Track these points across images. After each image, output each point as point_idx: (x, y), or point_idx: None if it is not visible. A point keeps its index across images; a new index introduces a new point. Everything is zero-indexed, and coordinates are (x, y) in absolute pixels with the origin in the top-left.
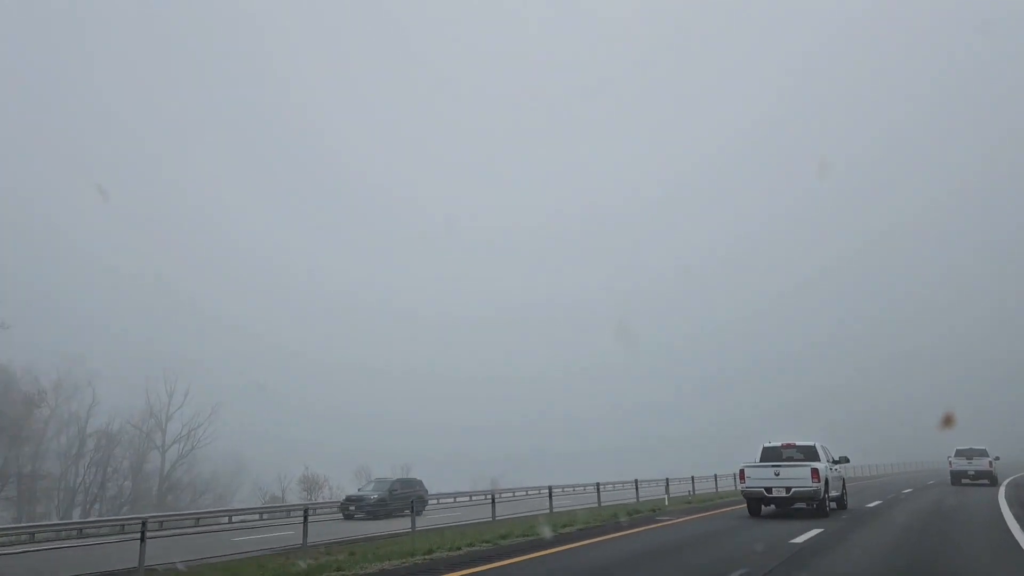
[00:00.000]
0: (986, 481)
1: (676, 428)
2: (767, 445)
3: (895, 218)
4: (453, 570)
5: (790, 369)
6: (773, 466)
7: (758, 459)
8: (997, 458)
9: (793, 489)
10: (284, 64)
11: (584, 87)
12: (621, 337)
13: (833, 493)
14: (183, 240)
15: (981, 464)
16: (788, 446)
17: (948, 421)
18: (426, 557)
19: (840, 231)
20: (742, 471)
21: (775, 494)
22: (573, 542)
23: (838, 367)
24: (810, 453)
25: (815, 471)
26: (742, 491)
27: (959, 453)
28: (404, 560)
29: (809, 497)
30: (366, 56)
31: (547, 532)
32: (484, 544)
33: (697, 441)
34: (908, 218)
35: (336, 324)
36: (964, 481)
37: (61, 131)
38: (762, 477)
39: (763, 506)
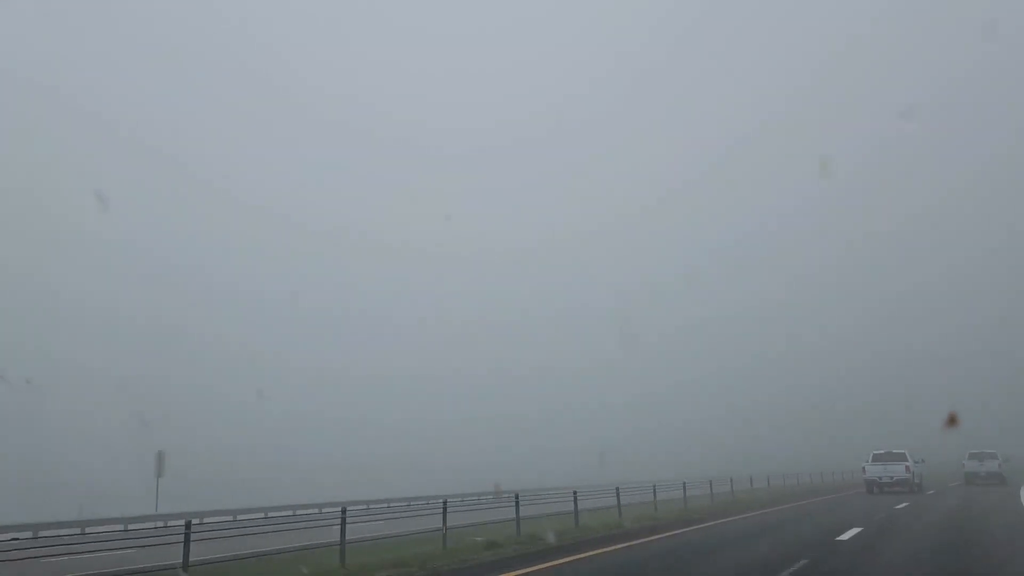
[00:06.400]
0: (996, 482)
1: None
2: (876, 452)
3: (899, 218)
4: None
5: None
6: (882, 464)
7: (870, 460)
8: (1007, 460)
9: (894, 478)
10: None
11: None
12: (624, 336)
13: (916, 480)
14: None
15: (991, 466)
16: (888, 453)
17: (952, 421)
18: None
19: (849, 227)
20: (864, 468)
21: (883, 480)
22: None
23: (847, 366)
24: (902, 456)
25: (907, 467)
26: (864, 479)
27: (972, 456)
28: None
29: (903, 482)
30: (365, 52)
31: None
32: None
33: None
34: (911, 218)
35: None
36: (977, 482)
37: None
38: (876, 471)
39: (875, 488)
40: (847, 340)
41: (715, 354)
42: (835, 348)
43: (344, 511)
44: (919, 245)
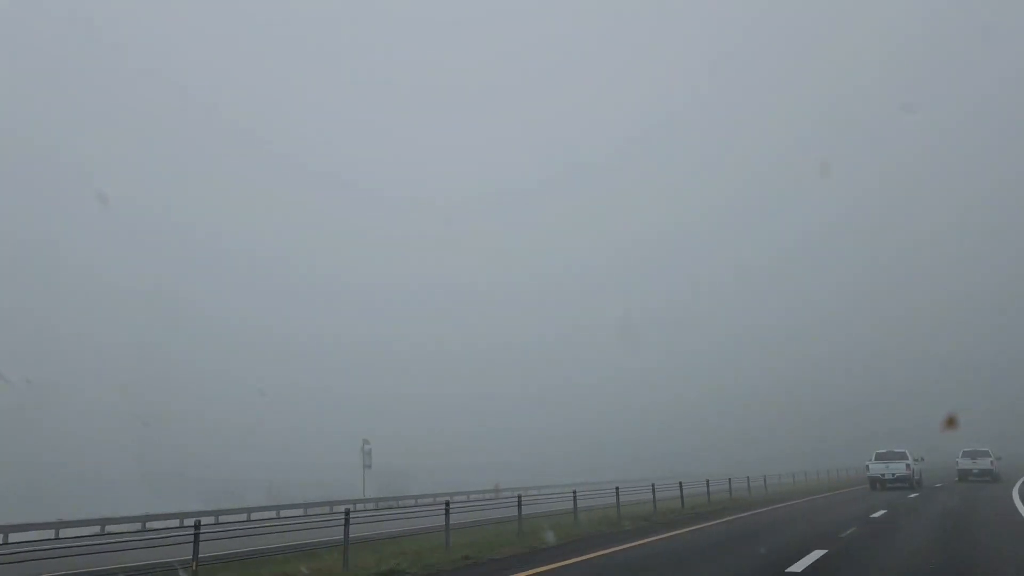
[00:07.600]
0: (988, 479)
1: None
2: (879, 452)
3: (905, 223)
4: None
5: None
6: (884, 462)
7: (873, 459)
8: (999, 458)
9: (895, 475)
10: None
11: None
12: (623, 328)
13: (916, 477)
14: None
15: (984, 463)
16: (890, 452)
17: (951, 423)
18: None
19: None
20: (868, 465)
21: (885, 477)
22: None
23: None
24: (902, 455)
25: (908, 465)
26: (868, 476)
27: (965, 454)
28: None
29: (904, 479)
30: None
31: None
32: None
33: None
34: (914, 222)
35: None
36: (970, 479)
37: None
38: (878, 468)
39: (877, 485)
40: (846, 341)
41: (715, 355)
42: (833, 348)
43: (197, 524)
44: (920, 246)
